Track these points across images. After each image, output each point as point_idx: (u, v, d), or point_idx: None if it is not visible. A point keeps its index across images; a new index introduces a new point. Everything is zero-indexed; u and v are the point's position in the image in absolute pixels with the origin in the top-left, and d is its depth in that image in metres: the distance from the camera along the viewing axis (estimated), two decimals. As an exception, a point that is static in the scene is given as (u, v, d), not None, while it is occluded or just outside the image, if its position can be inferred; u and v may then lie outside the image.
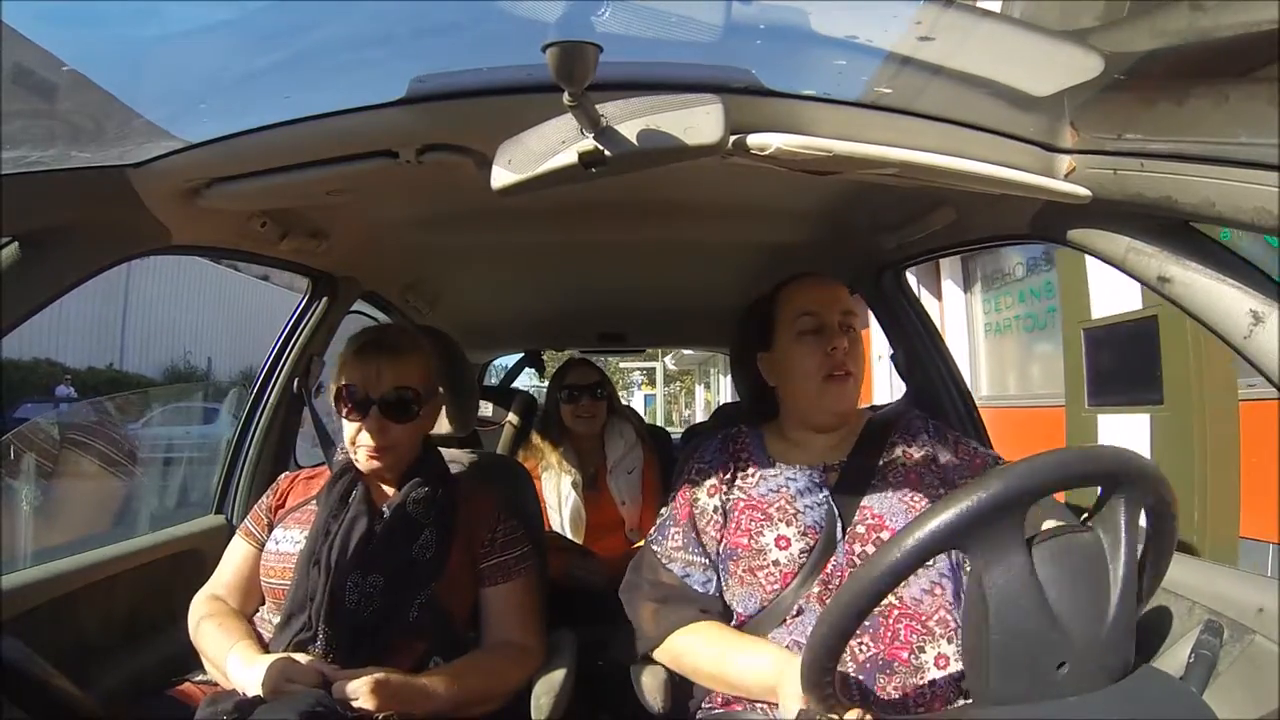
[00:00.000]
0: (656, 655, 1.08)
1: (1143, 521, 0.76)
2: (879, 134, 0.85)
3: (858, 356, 1.09)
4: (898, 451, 1.10)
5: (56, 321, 13.43)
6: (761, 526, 1.04)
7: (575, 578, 1.87)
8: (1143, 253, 0.88)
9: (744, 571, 1.03)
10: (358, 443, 1.15)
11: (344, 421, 1.17)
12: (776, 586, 1.01)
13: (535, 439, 2.24)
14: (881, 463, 1.08)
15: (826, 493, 1.05)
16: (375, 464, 1.16)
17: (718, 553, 1.07)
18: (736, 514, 1.07)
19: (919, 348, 1.63)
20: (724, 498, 1.09)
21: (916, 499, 1.03)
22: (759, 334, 1.16)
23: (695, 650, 1.02)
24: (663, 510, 1.16)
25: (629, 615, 1.12)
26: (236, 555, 1.20)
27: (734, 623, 1.05)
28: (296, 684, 0.95)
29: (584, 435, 2.18)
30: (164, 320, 15.95)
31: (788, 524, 1.03)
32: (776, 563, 1.02)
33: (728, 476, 1.11)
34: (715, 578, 1.07)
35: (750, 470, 1.11)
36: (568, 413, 2.17)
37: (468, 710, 1.06)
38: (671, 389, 24.24)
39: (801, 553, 1.02)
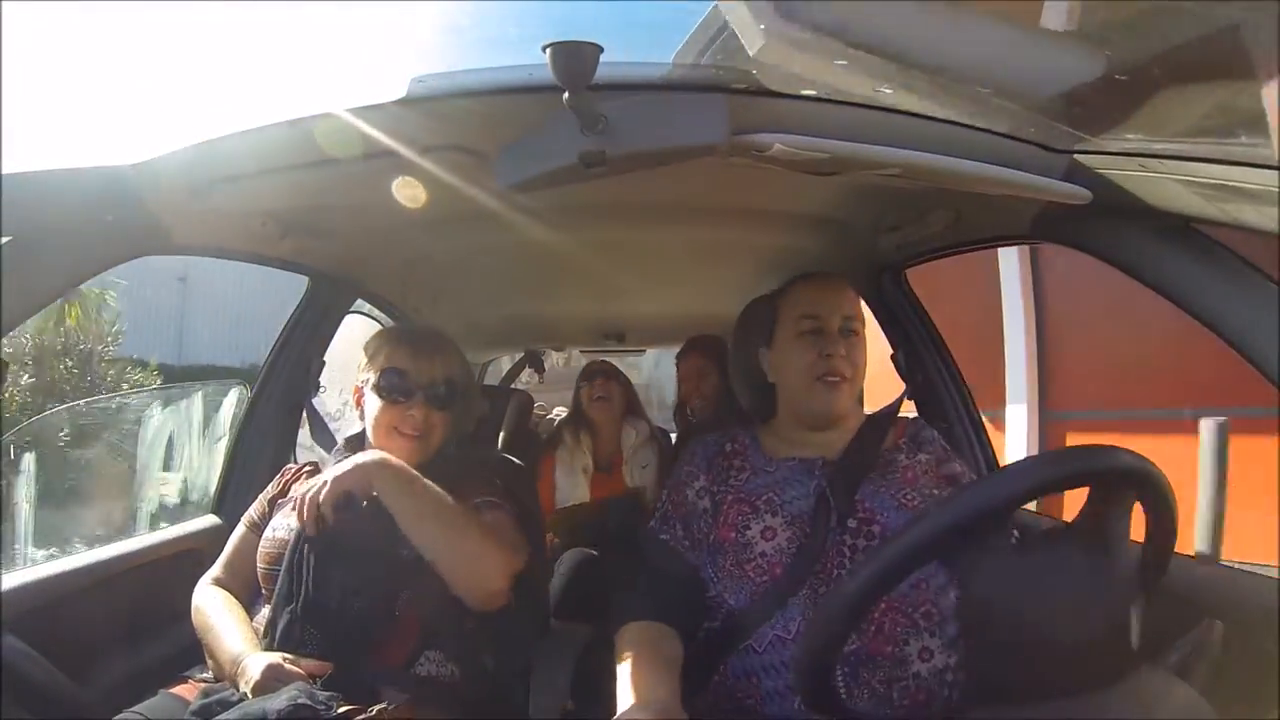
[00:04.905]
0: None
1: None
2: (880, 134, 0.85)
3: (856, 361, 1.10)
4: (901, 454, 1.10)
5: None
6: (748, 520, 1.05)
7: (586, 528, 1.98)
8: (1143, 253, 0.88)
9: (732, 565, 1.03)
10: (395, 428, 1.15)
11: (380, 405, 1.16)
12: (766, 578, 1.01)
13: (560, 428, 2.38)
14: (884, 460, 1.09)
15: (818, 483, 1.05)
16: (410, 450, 1.16)
17: (707, 549, 1.07)
18: (725, 509, 1.07)
19: (920, 349, 1.62)
20: (714, 496, 1.10)
21: (911, 497, 1.03)
22: (761, 330, 1.17)
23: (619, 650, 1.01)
24: (662, 496, 1.17)
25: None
26: (238, 539, 1.21)
27: (723, 619, 1.03)
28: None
29: (602, 424, 2.26)
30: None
31: (774, 514, 1.04)
32: (764, 554, 1.02)
33: (720, 475, 1.12)
34: (694, 578, 1.06)
35: (744, 467, 1.12)
36: (585, 396, 2.28)
37: (445, 553, 1.06)
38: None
39: (789, 542, 1.01)
